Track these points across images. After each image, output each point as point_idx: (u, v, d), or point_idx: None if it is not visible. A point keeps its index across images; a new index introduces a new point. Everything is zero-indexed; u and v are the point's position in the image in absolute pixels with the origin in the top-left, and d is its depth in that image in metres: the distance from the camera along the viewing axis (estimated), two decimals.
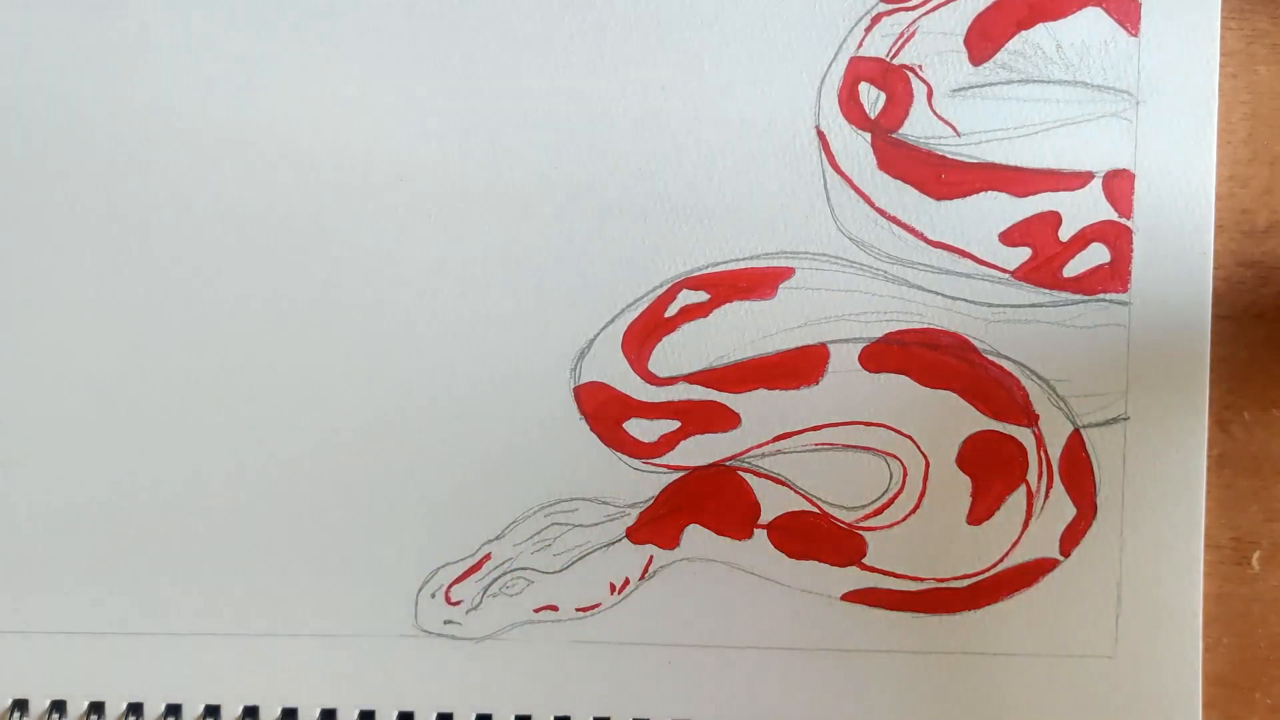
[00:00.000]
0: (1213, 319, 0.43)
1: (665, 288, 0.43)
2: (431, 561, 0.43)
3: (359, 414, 0.43)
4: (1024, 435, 0.43)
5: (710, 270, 0.43)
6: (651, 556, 0.43)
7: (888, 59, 0.43)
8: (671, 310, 0.43)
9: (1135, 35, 0.43)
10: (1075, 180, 0.43)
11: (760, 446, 0.43)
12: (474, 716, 0.43)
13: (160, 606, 0.43)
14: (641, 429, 0.43)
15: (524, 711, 0.43)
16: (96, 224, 0.43)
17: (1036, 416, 0.43)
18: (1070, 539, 0.43)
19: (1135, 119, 0.43)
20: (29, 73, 0.43)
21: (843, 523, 0.43)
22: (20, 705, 0.43)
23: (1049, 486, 0.43)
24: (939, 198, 0.43)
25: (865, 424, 0.43)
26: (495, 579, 0.43)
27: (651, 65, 0.43)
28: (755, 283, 0.43)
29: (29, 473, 0.43)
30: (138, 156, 0.43)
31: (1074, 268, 0.43)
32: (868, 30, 0.43)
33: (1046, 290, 0.43)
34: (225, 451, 0.43)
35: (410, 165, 0.43)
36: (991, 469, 0.43)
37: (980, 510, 0.43)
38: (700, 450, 0.43)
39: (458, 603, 0.43)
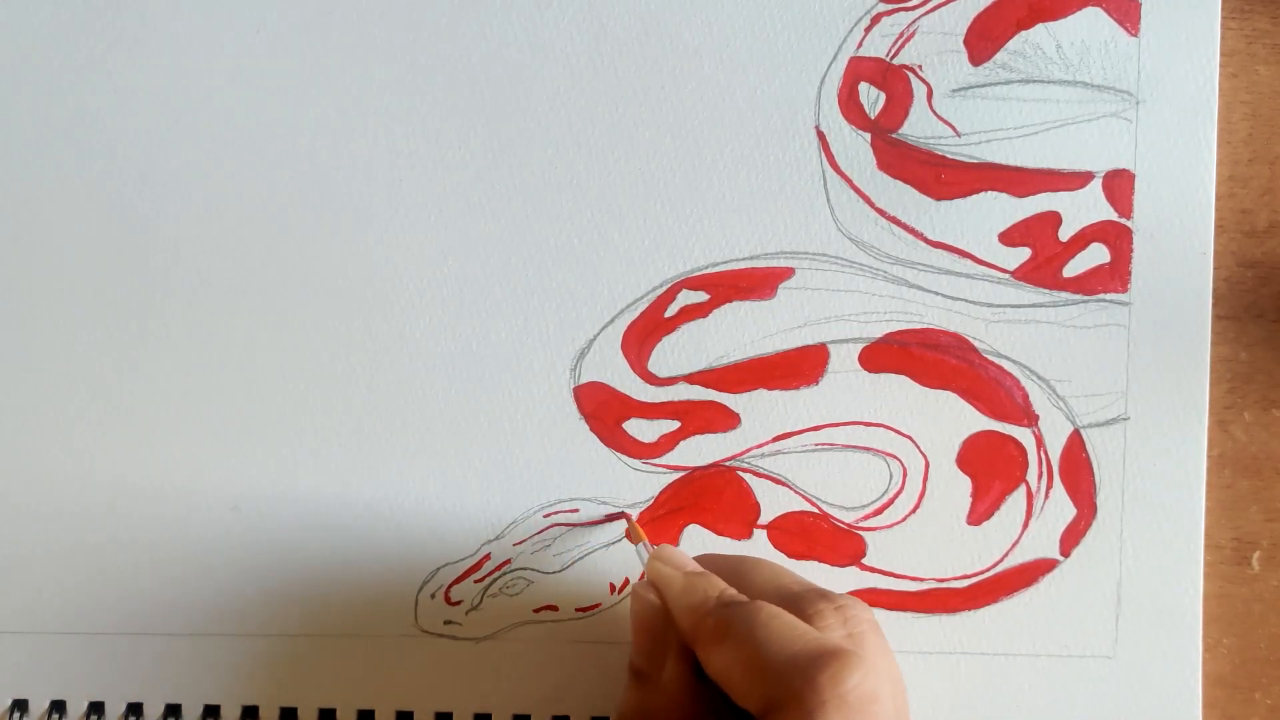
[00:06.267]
0: (1213, 319, 0.43)
1: (665, 288, 0.43)
2: (431, 561, 0.43)
3: (359, 414, 0.43)
4: (1024, 435, 0.43)
5: (710, 270, 0.43)
6: None
7: (888, 59, 0.43)
8: (671, 310, 0.43)
9: (1135, 35, 0.43)
10: (1075, 180, 0.43)
11: (760, 446, 0.43)
12: (473, 716, 0.43)
13: (160, 606, 0.43)
14: (641, 429, 0.43)
15: (523, 711, 0.43)
16: (96, 223, 0.43)
17: (1036, 416, 0.43)
18: (1070, 539, 0.43)
19: (1135, 119, 0.43)
20: (29, 73, 0.43)
21: (843, 523, 0.43)
22: (20, 705, 0.43)
23: (1049, 486, 0.43)
24: (939, 198, 0.43)
25: (865, 424, 0.43)
26: (495, 579, 0.43)
27: (651, 65, 0.43)
28: (755, 283, 0.43)
29: (30, 473, 0.43)
30: (138, 156, 0.43)
31: (1074, 268, 0.43)
32: (868, 30, 0.43)
33: (1046, 290, 0.43)
34: (226, 452, 0.43)
35: (410, 165, 0.43)
36: (991, 469, 0.43)
37: (980, 510, 0.43)
38: (700, 450, 0.43)
39: (458, 603, 0.43)
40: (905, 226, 0.43)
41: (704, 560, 0.40)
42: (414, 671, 0.43)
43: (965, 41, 0.43)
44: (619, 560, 0.43)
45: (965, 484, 0.43)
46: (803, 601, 0.37)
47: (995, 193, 0.43)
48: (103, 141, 0.43)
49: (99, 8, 0.43)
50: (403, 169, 0.43)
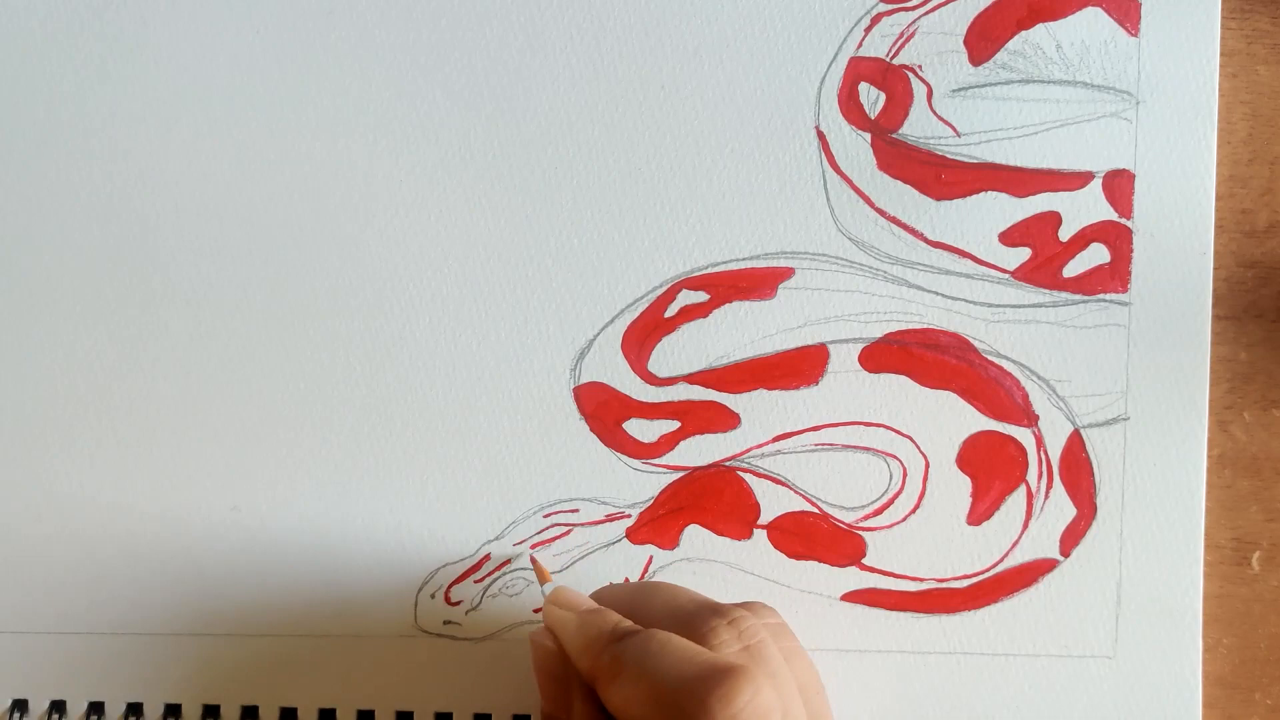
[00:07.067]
0: (1213, 319, 0.43)
1: (665, 288, 0.43)
2: (431, 561, 0.43)
3: (359, 414, 0.43)
4: (1024, 435, 0.43)
5: (710, 270, 0.43)
6: (651, 557, 0.43)
7: (888, 59, 0.43)
8: (671, 310, 0.43)
9: (1135, 35, 0.43)
10: (1075, 180, 0.43)
11: (760, 446, 0.43)
12: (473, 716, 0.43)
13: (160, 606, 0.43)
14: (641, 429, 0.43)
15: (523, 711, 0.43)
16: (96, 223, 0.43)
17: (1036, 416, 0.43)
18: (1070, 539, 0.43)
19: (1135, 119, 0.43)
20: (29, 73, 0.43)
21: (843, 523, 0.43)
22: (20, 705, 0.43)
23: (1049, 486, 0.43)
24: (939, 198, 0.43)
25: (865, 424, 0.43)
26: (495, 579, 0.43)
27: (651, 65, 0.43)
28: (755, 283, 0.43)
29: (30, 473, 0.43)
30: (137, 157, 0.43)
31: (1074, 268, 0.43)
32: (868, 30, 0.43)
33: (1046, 290, 0.43)
34: (226, 452, 0.43)
35: (410, 166, 0.43)
36: (991, 469, 0.43)
37: (980, 510, 0.43)
38: (700, 450, 0.43)
39: (458, 603, 0.43)
40: (905, 226, 0.43)
41: (601, 595, 0.39)
42: (414, 671, 0.43)
43: (965, 41, 0.43)
44: (619, 560, 0.43)
45: (965, 484, 0.43)
46: (696, 621, 0.36)
47: (995, 193, 0.43)
48: (103, 142, 0.43)
49: (99, 8, 0.43)
50: (403, 169, 0.43)
